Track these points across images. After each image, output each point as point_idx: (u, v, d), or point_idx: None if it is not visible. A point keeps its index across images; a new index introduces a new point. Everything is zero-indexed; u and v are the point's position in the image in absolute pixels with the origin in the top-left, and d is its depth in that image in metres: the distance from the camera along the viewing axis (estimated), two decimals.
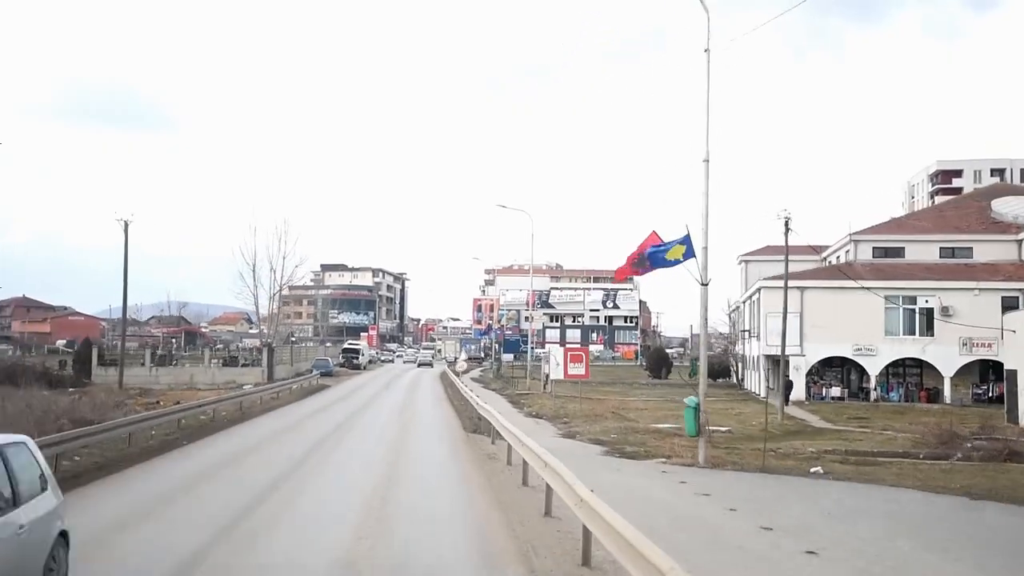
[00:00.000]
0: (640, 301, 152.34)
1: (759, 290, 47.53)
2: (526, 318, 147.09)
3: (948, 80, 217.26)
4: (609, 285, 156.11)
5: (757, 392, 51.64)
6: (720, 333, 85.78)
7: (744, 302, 57.21)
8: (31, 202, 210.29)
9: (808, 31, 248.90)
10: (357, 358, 70.56)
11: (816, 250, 62.45)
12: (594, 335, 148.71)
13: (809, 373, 45.07)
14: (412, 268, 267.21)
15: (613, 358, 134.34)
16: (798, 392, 43.33)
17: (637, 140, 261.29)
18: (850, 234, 50.59)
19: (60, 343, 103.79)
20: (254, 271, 47.95)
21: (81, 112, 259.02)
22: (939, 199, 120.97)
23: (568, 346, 44.17)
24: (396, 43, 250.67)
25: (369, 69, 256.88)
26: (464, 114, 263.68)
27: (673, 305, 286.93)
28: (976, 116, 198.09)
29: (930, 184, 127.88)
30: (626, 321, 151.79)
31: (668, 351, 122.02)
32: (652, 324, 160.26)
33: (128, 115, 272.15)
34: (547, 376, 42.27)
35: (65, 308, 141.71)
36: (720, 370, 73.63)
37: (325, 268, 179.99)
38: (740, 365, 60.03)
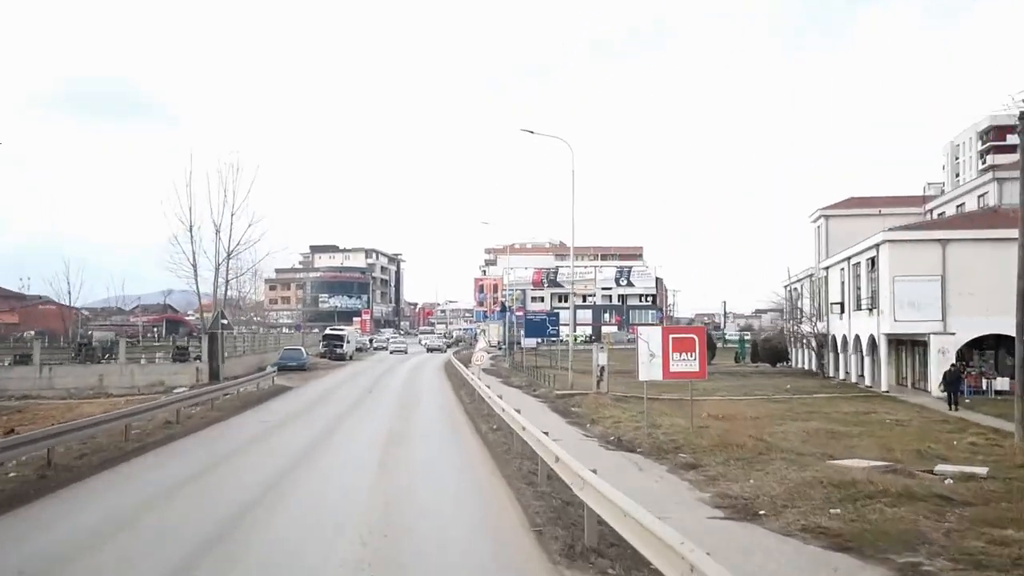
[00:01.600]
0: (656, 278, 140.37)
1: (877, 246, 35.13)
2: (532, 298, 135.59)
3: (979, 40, 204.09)
4: (621, 263, 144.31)
5: (857, 382, 39.43)
6: (777, 309, 74.08)
7: (830, 268, 44.87)
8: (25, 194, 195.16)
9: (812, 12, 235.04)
10: (341, 346, 57.66)
11: (921, 201, 50.28)
12: (606, 315, 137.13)
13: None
14: (407, 251, 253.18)
15: (629, 340, 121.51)
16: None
17: (636, 137, 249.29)
18: (992, 168, 38.21)
19: (29, 334, 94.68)
20: (191, 233, 35.75)
21: (84, 107, 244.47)
22: (991, 158, 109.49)
23: (670, 326, 32.03)
24: (395, 39, 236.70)
25: (367, 64, 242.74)
26: (463, 112, 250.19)
27: (683, 282, 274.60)
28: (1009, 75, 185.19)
29: (979, 143, 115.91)
30: (641, 300, 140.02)
31: None
32: (668, 303, 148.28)
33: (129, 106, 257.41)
34: (602, 369, 29.94)
35: (39, 297, 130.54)
36: (776, 353, 61.55)
37: (315, 250, 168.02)
38: (819, 347, 47.65)
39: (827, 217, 48.25)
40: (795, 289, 59.06)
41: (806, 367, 52.85)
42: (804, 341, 51.81)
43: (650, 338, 17.79)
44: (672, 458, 15.37)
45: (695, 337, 17.97)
